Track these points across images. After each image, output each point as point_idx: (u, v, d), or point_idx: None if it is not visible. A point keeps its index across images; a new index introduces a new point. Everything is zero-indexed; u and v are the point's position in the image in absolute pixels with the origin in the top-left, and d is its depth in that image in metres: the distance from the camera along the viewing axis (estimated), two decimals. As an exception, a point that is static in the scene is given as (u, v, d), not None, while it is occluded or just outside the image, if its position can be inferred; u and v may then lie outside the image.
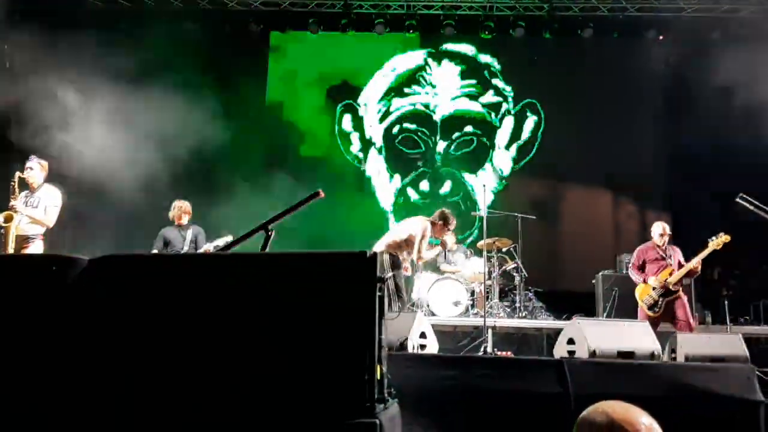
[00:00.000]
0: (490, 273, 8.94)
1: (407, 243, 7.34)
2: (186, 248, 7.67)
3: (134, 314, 2.77)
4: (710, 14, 11.36)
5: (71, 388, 2.73)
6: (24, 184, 6.89)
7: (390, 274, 7.02)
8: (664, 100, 11.87)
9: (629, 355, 5.05)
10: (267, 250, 3.82)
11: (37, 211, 6.81)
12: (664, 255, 7.28)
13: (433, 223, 7.46)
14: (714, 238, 6.92)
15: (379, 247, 7.35)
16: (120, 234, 9.97)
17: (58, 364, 2.77)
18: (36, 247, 6.83)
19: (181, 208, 7.86)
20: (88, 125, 8.63)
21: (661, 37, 11.82)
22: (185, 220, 7.88)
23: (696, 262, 7.02)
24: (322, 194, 4.09)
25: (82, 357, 2.75)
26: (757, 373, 4.74)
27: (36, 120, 8.45)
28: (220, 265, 2.91)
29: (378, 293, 2.68)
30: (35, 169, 6.95)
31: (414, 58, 12.29)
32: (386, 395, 2.81)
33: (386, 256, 7.16)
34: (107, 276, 2.83)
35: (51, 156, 7.64)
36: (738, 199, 3.98)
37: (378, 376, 2.63)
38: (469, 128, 12.04)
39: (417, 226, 7.45)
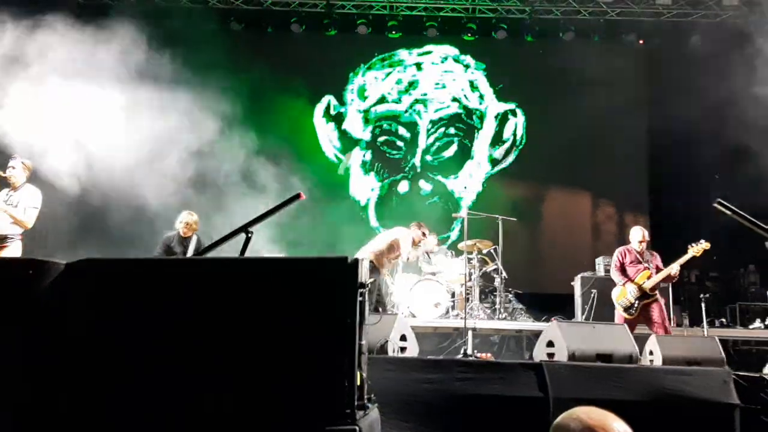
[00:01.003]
0: (470, 274, 8.96)
1: (389, 250, 7.58)
2: None
3: (111, 318, 2.74)
4: (688, 19, 11.52)
5: (47, 391, 2.69)
6: (4, 183, 6.77)
7: (370, 279, 7.10)
8: (645, 104, 11.98)
9: (608, 357, 5.09)
10: (247, 251, 3.80)
11: (17, 211, 6.70)
12: (641, 259, 7.33)
13: (410, 235, 7.99)
14: (694, 244, 6.97)
15: (360, 255, 7.44)
16: (102, 240, 9.84)
17: (32, 369, 2.72)
18: (14, 248, 6.72)
19: (188, 224, 7.78)
20: (67, 125, 8.50)
21: (641, 41, 11.96)
22: (190, 233, 7.81)
23: (674, 267, 7.05)
24: (303, 196, 4.08)
25: (58, 361, 2.71)
26: (733, 376, 4.80)
27: (17, 119, 8.29)
28: (199, 269, 2.88)
29: (359, 299, 2.67)
30: (17, 169, 6.82)
31: (396, 59, 12.29)
32: (366, 401, 2.81)
33: (366, 262, 7.28)
34: (84, 280, 2.79)
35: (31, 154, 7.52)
36: (715, 204, 4.01)
37: (358, 381, 2.62)
38: (450, 129, 12.07)
39: (398, 232, 7.95)
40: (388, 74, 12.23)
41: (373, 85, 12.21)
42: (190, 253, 7.68)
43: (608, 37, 11.88)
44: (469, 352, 6.80)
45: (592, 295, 8.78)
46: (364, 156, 12.08)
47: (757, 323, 9.84)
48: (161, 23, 10.96)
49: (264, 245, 9.19)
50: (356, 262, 2.69)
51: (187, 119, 9.70)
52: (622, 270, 7.35)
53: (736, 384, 4.75)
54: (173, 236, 7.84)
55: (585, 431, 1.74)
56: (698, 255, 6.97)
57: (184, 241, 7.78)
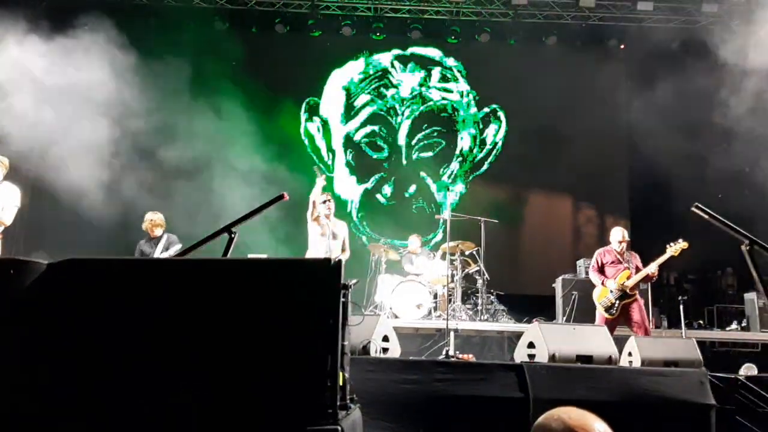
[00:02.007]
0: (452, 276, 8.99)
1: (322, 237, 7.39)
2: None
3: (93, 318, 2.73)
4: (669, 24, 11.66)
5: (27, 391, 2.68)
6: None
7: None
8: (625, 108, 12.10)
9: (588, 359, 5.15)
10: (230, 252, 3.80)
11: None
12: (621, 259, 7.41)
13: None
14: (672, 244, 7.05)
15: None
16: (84, 241, 9.76)
17: (12, 368, 2.71)
18: None
19: (152, 221, 7.79)
20: (48, 124, 8.42)
21: (622, 46, 12.09)
22: (158, 231, 7.81)
23: (653, 267, 7.14)
24: (287, 197, 4.08)
25: (38, 361, 2.70)
26: (709, 377, 4.88)
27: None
28: (182, 270, 2.88)
29: (342, 299, 2.68)
30: None
31: (380, 60, 12.31)
32: (348, 401, 2.82)
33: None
34: (66, 280, 2.78)
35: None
36: (693, 208, 4.07)
37: (341, 382, 2.63)
38: (433, 132, 12.11)
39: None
40: (373, 75, 12.25)
41: (358, 86, 12.22)
42: (158, 249, 7.67)
43: (590, 42, 12.00)
44: (451, 353, 6.83)
45: (573, 296, 8.85)
46: (347, 157, 12.08)
47: (734, 325, 10.01)
48: (144, 21, 10.92)
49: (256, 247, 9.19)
50: (339, 263, 2.70)
51: (167, 117, 9.66)
52: (601, 271, 7.44)
53: (712, 385, 4.83)
54: (144, 240, 7.88)
55: (565, 431, 1.76)
56: (677, 254, 7.05)
57: (153, 240, 7.79)
